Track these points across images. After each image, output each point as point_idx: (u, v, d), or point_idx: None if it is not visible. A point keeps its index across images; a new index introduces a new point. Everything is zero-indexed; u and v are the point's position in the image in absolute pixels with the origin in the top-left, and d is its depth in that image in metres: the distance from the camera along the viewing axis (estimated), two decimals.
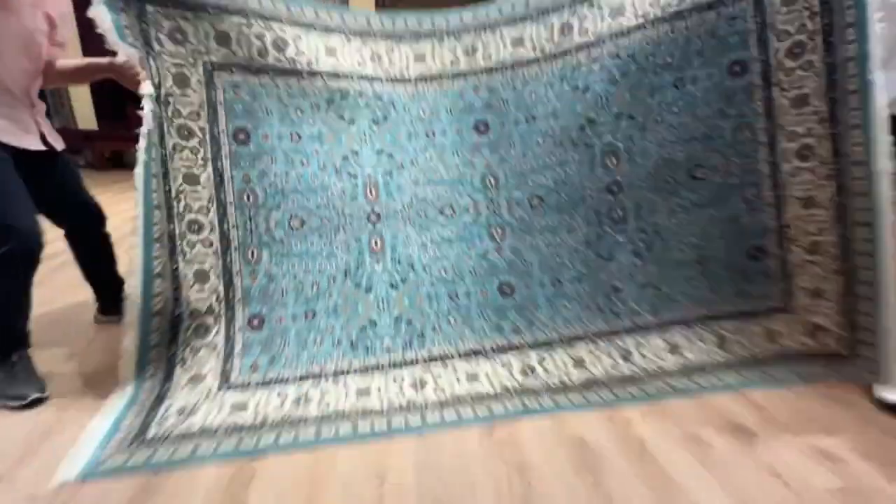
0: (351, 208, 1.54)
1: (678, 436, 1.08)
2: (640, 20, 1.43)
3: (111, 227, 1.70)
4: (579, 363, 1.37)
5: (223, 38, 1.40)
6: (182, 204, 1.37)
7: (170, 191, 1.37)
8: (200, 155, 1.40)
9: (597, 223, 1.51)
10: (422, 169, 1.60)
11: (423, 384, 1.31)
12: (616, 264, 1.51)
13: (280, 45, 1.46)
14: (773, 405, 1.17)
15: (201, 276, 1.40)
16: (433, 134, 1.62)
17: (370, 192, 1.57)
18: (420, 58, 1.62)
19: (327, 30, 1.55)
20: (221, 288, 1.43)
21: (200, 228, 1.41)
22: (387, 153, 1.60)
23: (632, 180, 1.50)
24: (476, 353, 1.42)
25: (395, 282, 1.54)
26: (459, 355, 1.41)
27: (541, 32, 1.54)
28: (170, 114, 1.35)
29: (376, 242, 1.55)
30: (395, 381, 1.32)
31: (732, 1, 1.37)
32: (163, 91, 1.36)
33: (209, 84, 1.43)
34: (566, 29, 1.52)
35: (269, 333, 1.45)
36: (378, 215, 1.56)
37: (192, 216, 1.39)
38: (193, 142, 1.39)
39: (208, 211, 1.41)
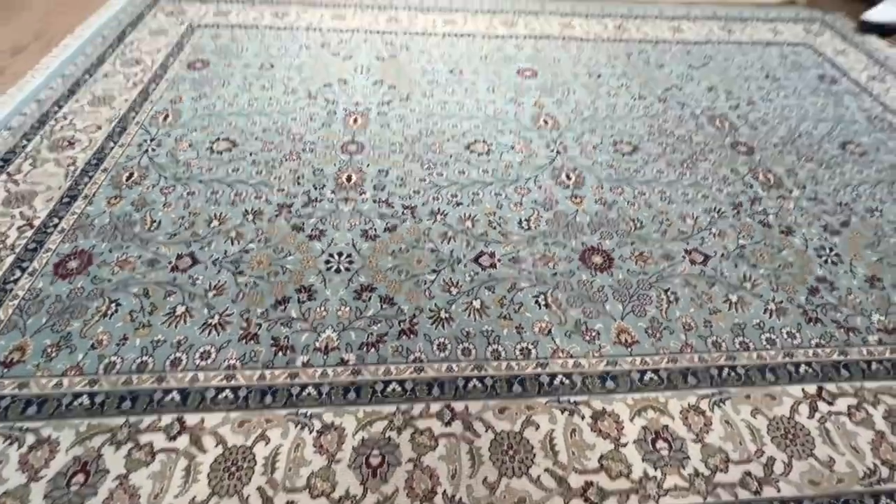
0: (317, 136, 0.94)
1: None
2: None
3: None
4: None
5: None
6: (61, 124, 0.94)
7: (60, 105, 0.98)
8: (132, 80, 1.05)
9: (741, 183, 0.94)
10: (439, 102, 1.05)
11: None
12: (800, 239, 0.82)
13: (280, 14, 1.32)
14: None
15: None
16: (460, 72, 1.14)
17: (353, 119, 0.98)
18: (450, 22, 1.31)
19: (339, 6, 1.39)
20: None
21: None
22: (388, 84, 1.08)
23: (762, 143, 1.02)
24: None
25: (373, 230, 0.78)
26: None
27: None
28: (123, 47, 1.15)
29: (349, 177, 0.86)
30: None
31: None
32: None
33: (186, 32, 1.22)
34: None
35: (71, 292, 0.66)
36: (360, 145, 0.93)
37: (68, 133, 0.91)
38: (134, 69, 1.08)
39: (96, 130, 0.91)
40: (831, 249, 0.81)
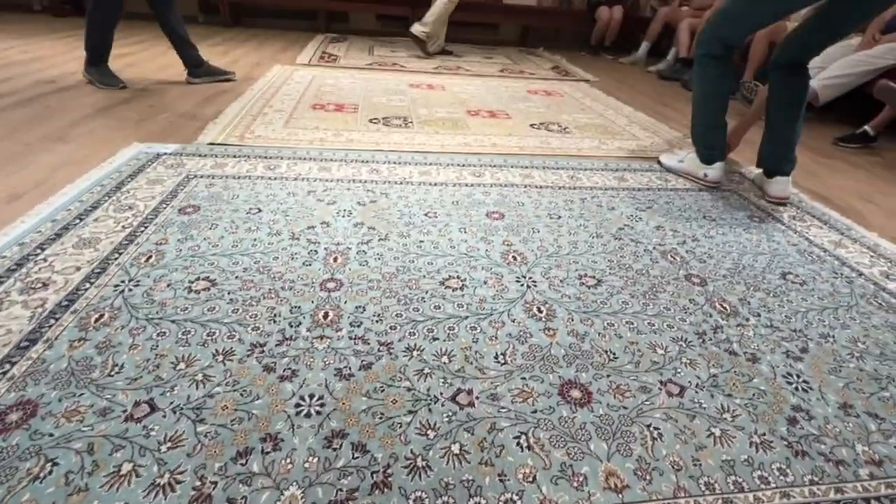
0: (297, 274, 0.98)
1: None
2: None
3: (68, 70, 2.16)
4: None
5: None
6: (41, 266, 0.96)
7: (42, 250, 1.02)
8: (122, 224, 1.11)
9: (701, 312, 1.01)
10: (415, 241, 1.13)
11: None
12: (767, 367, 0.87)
13: (272, 166, 1.50)
14: None
15: None
16: (434, 215, 1.26)
17: (333, 258, 1.04)
18: (425, 173, 1.50)
19: (326, 160, 1.59)
20: None
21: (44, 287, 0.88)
22: (368, 226, 1.17)
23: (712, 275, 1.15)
24: None
25: (348, 368, 0.76)
26: None
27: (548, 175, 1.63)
28: (119, 195, 1.24)
29: (326, 314, 0.87)
30: None
31: None
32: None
33: (182, 181, 1.34)
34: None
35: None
36: (338, 283, 0.96)
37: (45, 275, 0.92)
38: (126, 213, 1.15)
39: (75, 271, 0.94)
40: (798, 376, 0.84)
